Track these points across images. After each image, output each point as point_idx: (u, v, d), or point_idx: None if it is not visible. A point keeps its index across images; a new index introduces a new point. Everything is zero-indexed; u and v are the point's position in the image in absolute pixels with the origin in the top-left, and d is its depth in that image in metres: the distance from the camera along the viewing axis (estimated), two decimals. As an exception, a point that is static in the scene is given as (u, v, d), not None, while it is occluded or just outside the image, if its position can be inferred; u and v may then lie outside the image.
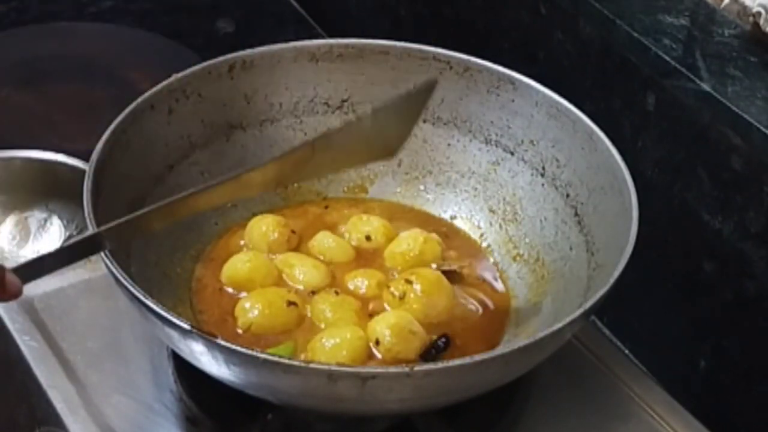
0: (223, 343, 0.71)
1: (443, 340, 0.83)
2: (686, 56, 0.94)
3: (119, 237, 0.75)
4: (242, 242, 0.90)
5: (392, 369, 0.74)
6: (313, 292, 0.86)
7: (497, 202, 0.93)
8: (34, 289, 0.90)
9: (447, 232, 0.92)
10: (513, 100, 0.91)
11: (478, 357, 0.72)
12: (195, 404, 0.83)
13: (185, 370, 0.83)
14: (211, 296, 0.86)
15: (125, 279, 0.74)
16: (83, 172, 0.82)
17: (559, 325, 0.74)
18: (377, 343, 0.81)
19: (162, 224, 0.77)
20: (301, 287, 0.86)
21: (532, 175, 0.91)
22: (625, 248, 0.78)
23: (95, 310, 0.90)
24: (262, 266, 0.87)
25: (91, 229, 0.76)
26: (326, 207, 0.94)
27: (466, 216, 0.94)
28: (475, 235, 0.93)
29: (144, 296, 0.73)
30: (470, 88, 0.93)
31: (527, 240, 0.90)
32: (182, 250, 0.88)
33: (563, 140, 0.89)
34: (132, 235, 0.78)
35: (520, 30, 1.13)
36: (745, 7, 0.96)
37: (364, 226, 0.91)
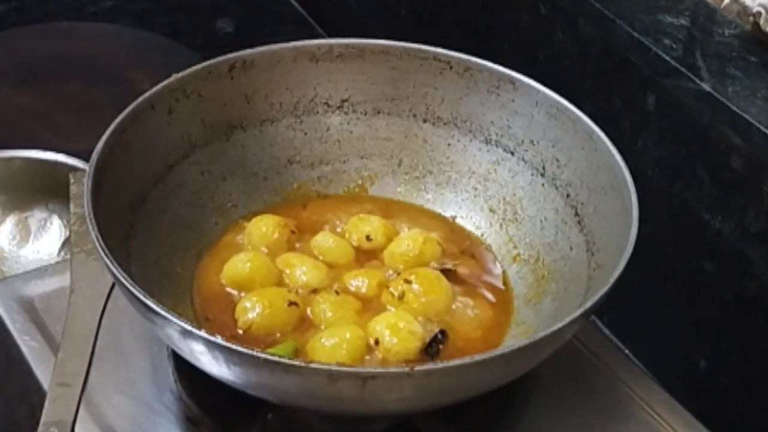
0: (223, 343, 0.71)
1: (440, 333, 0.83)
2: (686, 56, 0.94)
3: None
4: (242, 242, 0.90)
5: (392, 369, 0.74)
6: (314, 292, 0.86)
7: (497, 202, 0.93)
8: (34, 289, 0.91)
9: (472, 251, 0.92)
10: (513, 100, 0.91)
11: (478, 357, 0.72)
12: (195, 404, 0.83)
13: (185, 370, 0.83)
14: (212, 296, 0.86)
15: (125, 279, 0.74)
16: (83, 172, 0.82)
17: (559, 325, 0.74)
18: (377, 342, 0.81)
19: None
20: (301, 287, 0.86)
21: (532, 175, 0.91)
22: (625, 248, 0.78)
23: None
24: (263, 266, 0.87)
25: (91, 229, 0.76)
26: (306, 205, 0.94)
27: (466, 216, 0.94)
28: (475, 235, 0.93)
29: (144, 296, 0.73)
30: (470, 88, 0.93)
31: (527, 240, 0.90)
32: (182, 250, 0.88)
33: (563, 140, 0.89)
34: None
35: (520, 30, 1.13)
36: (745, 7, 0.96)
37: (364, 226, 0.91)
